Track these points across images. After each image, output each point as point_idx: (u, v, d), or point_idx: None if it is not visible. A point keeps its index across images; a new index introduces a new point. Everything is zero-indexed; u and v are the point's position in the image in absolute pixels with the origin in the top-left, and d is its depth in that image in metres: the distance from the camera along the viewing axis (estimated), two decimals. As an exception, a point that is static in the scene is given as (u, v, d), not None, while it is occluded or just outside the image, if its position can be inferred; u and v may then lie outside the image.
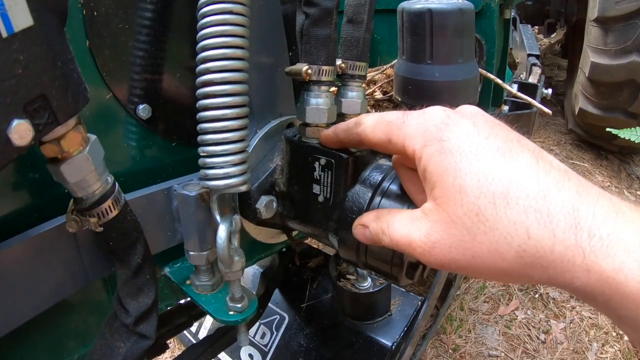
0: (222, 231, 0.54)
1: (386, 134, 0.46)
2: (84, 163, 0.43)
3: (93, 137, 0.45)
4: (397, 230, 0.45)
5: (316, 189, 0.57)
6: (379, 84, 1.13)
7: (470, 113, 0.44)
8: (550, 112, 1.11)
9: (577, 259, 0.35)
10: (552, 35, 3.44)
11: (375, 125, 0.48)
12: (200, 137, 0.52)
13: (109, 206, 0.48)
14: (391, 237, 0.45)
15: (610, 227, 0.35)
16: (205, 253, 0.61)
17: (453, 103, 0.91)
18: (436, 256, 0.41)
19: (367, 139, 0.49)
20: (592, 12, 2.40)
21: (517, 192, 0.37)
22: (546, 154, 0.41)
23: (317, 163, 0.56)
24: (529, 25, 2.91)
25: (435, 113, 0.44)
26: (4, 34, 0.32)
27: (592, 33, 2.44)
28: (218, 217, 0.55)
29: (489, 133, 0.41)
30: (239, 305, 0.60)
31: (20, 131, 0.34)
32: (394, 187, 0.53)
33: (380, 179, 0.54)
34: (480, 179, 0.38)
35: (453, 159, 0.40)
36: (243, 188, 0.54)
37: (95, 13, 0.53)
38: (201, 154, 0.53)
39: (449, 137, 0.41)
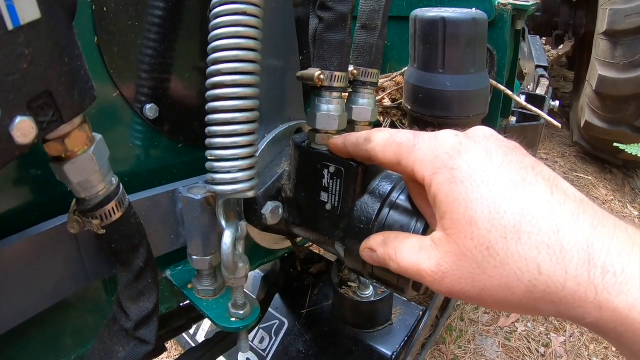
0: (227, 237, 0.53)
1: (396, 155, 0.45)
2: (88, 163, 0.42)
3: (99, 136, 0.44)
4: (405, 257, 0.44)
5: (324, 196, 0.56)
6: (388, 92, 1.12)
7: (483, 137, 0.43)
8: (559, 125, 1.10)
9: (589, 296, 0.34)
10: (560, 47, 3.43)
11: (385, 144, 0.47)
12: (208, 141, 0.51)
13: (113, 208, 0.46)
14: (399, 264, 0.45)
15: (625, 261, 0.34)
16: (208, 258, 0.60)
17: (463, 114, 0.91)
18: (446, 286, 0.40)
19: (377, 157, 0.48)
20: (601, 25, 2.40)
21: (530, 226, 0.36)
22: (562, 182, 0.39)
23: (326, 170, 0.55)
24: (538, 37, 2.90)
25: (447, 138, 0.43)
26: (10, 27, 0.30)
27: (600, 46, 2.44)
28: (224, 223, 0.54)
29: (502, 161, 0.40)
30: (241, 312, 0.59)
31: (23, 129, 0.33)
32: (402, 199, 0.52)
33: (389, 189, 0.53)
34: (492, 211, 0.37)
35: (464, 189, 0.39)
36: (250, 194, 0.53)
37: (105, 9, 0.52)
38: (209, 158, 0.52)
39: (460, 166, 0.40)
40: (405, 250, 0.44)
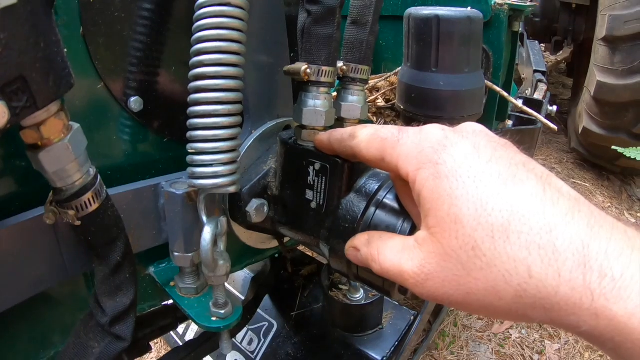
0: (207, 233, 0.52)
1: (380, 151, 0.44)
2: (63, 152, 0.42)
3: (76, 125, 0.44)
4: (387, 258, 0.42)
5: (309, 194, 0.55)
6: (382, 92, 1.11)
7: (471, 132, 0.41)
8: (556, 127, 1.09)
9: (585, 302, 0.32)
10: (559, 53, 3.43)
11: (369, 140, 0.45)
12: (189, 133, 0.50)
13: (89, 199, 0.46)
14: (381, 265, 0.43)
15: (625, 265, 0.31)
16: (190, 255, 0.59)
17: (457, 114, 0.90)
18: (429, 289, 0.38)
19: (361, 154, 0.46)
20: (600, 31, 2.40)
21: (520, 225, 0.34)
22: (555, 180, 0.37)
23: (311, 167, 0.54)
24: (537, 42, 2.90)
25: (432, 132, 0.41)
26: (-16, 11, 0.30)
27: (599, 52, 2.44)
28: (204, 218, 0.53)
29: (491, 156, 0.38)
30: (222, 312, 0.58)
31: (-6, 113, 0.32)
32: (390, 198, 0.51)
33: (376, 188, 0.52)
34: (478, 208, 0.35)
35: (449, 185, 0.37)
36: (232, 189, 0.52)
37: (91, -1, 0.51)
38: (189, 151, 0.51)
39: (445, 161, 0.38)
40: (387, 251, 0.43)
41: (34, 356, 0.58)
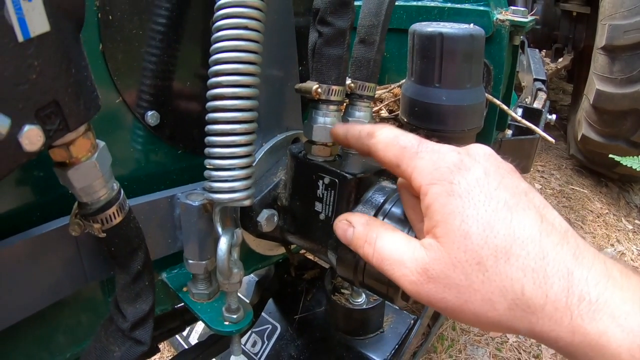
0: (223, 244, 0.54)
1: (397, 158, 0.46)
2: (91, 169, 0.44)
3: (102, 143, 0.45)
4: (386, 247, 0.45)
5: (318, 206, 0.58)
6: (386, 103, 1.13)
7: (482, 156, 0.44)
8: (554, 140, 1.12)
9: (565, 320, 0.36)
10: (559, 60, 3.45)
11: (388, 144, 0.47)
12: (207, 150, 0.52)
13: (114, 213, 0.48)
14: (376, 250, 0.45)
15: (600, 291, 0.36)
16: (204, 262, 0.61)
17: (458, 127, 0.92)
18: (428, 291, 0.41)
19: (377, 154, 0.48)
20: (600, 39, 2.42)
21: (519, 249, 0.38)
22: (550, 211, 0.41)
23: (320, 181, 0.57)
24: (537, 50, 2.92)
25: (449, 154, 0.44)
26: (20, 39, 0.32)
27: (598, 60, 2.45)
28: (220, 229, 0.55)
29: (498, 183, 0.41)
30: (235, 316, 0.60)
31: (31, 136, 0.34)
32: (396, 210, 0.53)
33: (382, 200, 0.54)
34: (486, 229, 0.39)
35: (461, 204, 0.40)
36: (247, 203, 0.54)
37: (110, 17, 0.53)
38: (207, 166, 0.53)
39: (459, 182, 0.41)
40: (388, 240, 0.45)
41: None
